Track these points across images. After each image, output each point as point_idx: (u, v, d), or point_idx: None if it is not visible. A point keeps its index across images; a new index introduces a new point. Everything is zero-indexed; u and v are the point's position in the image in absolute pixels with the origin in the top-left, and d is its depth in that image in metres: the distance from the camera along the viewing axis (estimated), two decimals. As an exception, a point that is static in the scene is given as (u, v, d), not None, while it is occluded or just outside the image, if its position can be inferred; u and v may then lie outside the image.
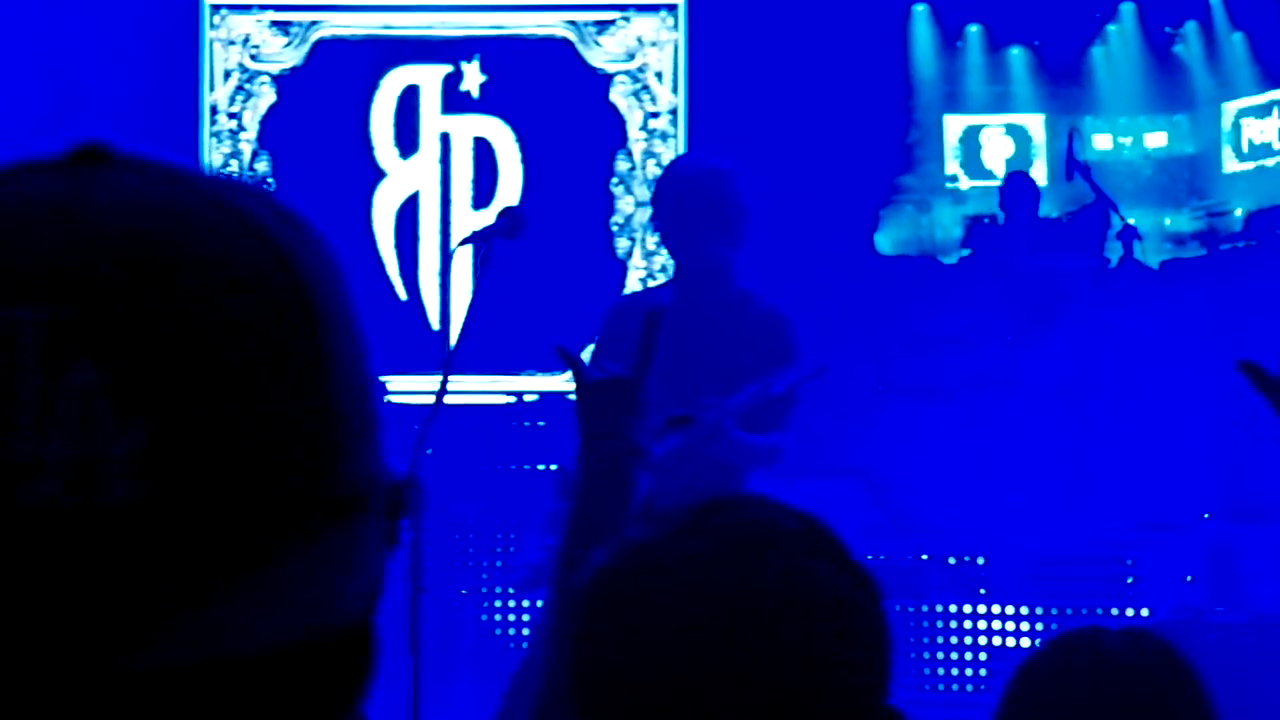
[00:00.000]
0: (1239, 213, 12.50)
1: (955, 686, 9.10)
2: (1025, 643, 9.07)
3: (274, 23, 12.10)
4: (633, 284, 11.84)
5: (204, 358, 1.05)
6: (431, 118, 12.02)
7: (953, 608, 9.13)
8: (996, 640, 9.16)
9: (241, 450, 1.05)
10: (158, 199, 1.08)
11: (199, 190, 1.10)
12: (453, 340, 6.09)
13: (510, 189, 11.95)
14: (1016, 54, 12.96)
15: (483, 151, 12.00)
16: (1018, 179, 11.27)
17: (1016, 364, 10.31)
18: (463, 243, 6.29)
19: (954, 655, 9.21)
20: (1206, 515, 9.92)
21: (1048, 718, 2.40)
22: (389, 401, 11.25)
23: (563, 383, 11.54)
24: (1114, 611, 9.09)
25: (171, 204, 1.08)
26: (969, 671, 9.18)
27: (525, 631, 9.02)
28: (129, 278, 1.04)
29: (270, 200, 1.15)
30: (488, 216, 11.37)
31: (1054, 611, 9.08)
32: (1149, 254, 11.31)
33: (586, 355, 11.09)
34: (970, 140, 13.14)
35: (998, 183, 11.74)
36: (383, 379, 11.39)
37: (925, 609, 9.15)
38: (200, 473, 1.04)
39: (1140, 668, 2.41)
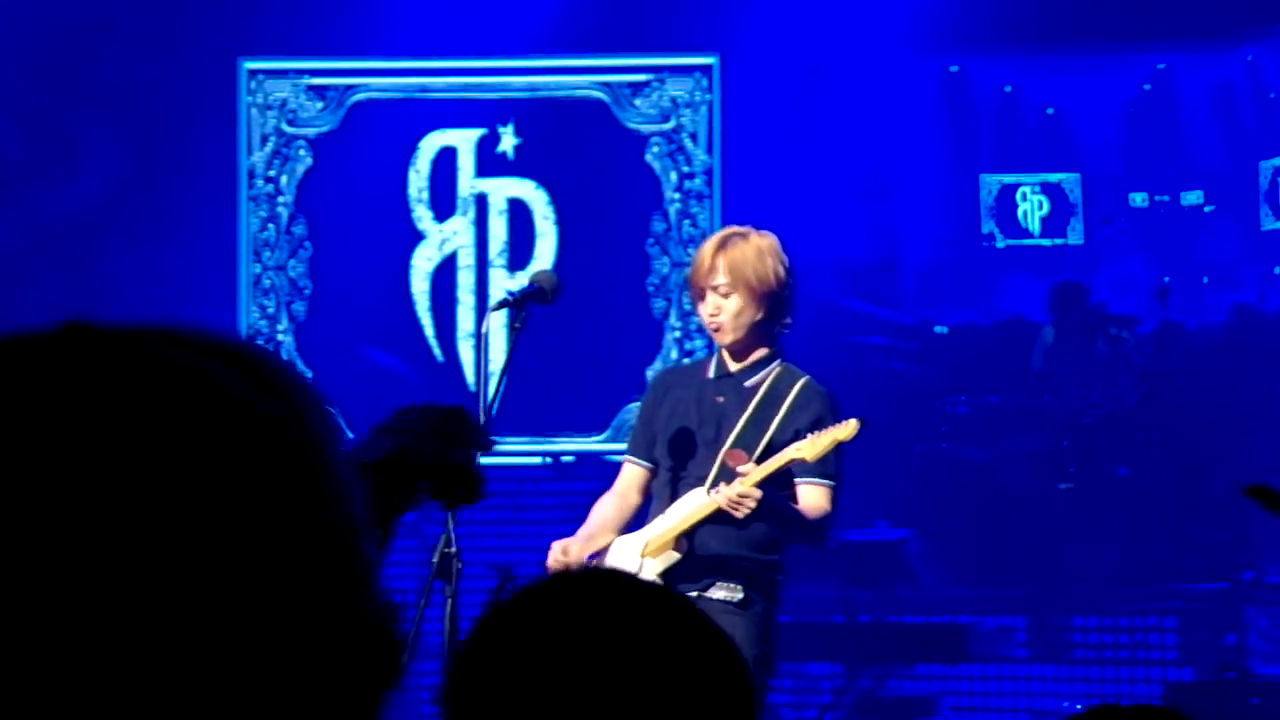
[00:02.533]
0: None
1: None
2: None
3: (310, 87, 12.15)
4: (669, 345, 11.83)
5: None
6: (467, 180, 12.05)
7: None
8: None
9: None
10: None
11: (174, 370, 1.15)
12: (489, 402, 6.07)
13: (546, 250, 11.97)
14: (1051, 114, 12.95)
15: (518, 213, 12.02)
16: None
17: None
18: (496, 307, 6.29)
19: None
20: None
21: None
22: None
23: (599, 443, 11.54)
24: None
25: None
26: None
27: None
28: None
29: (259, 367, 1.17)
30: (523, 279, 11.40)
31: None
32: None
33: (624, 417, 11.12)
34: (1006, 199, 13.14)
35: (1034, 241, 11.72)
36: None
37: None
38: None
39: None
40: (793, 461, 5.91)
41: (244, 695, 1.08)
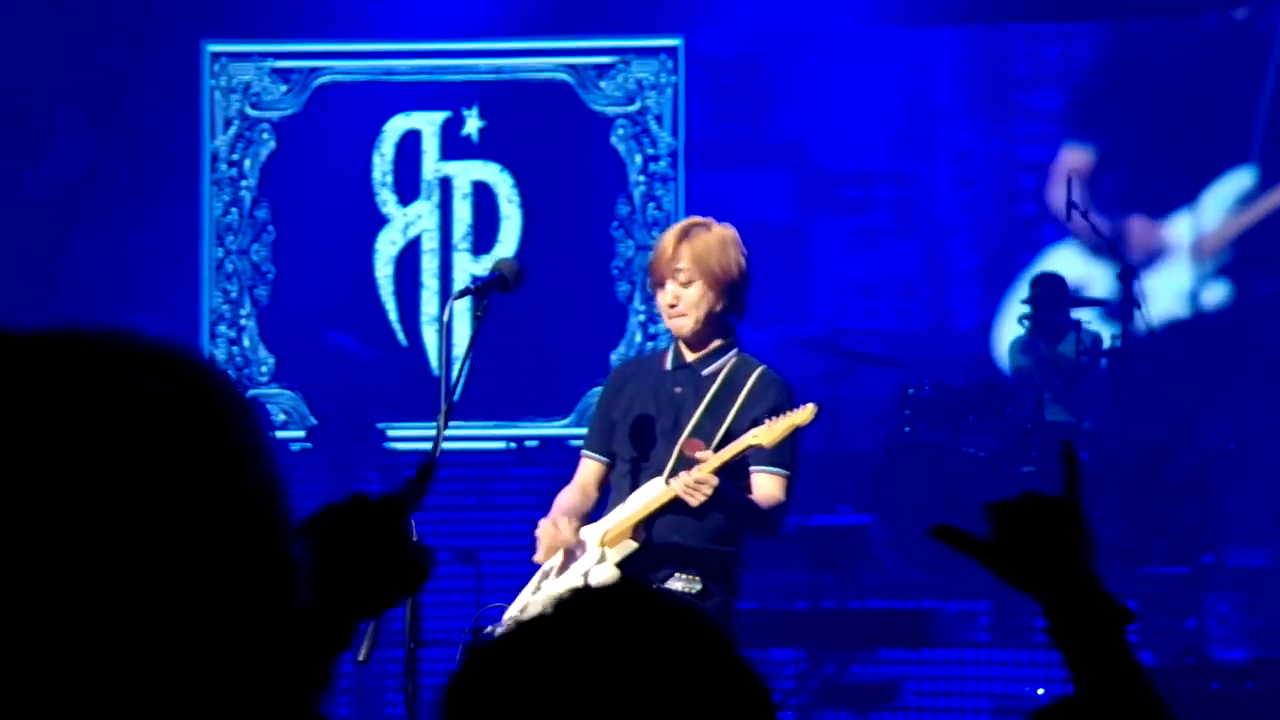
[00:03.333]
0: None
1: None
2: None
3: (274, 70, 12.12)
4: (633, 328, 11.84)
5: None
6: (431, 163, 12.04)
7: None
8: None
9: None
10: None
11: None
12: (453, 386, 6.08)
13: (510, 234, 11.97)
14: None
15: (483, 196, 12.01)
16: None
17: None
18: (459, 295, 6.28)
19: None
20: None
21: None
22: (391, 448, 11.25)
23: (563, 428, 11.55)
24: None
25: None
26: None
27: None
28: None
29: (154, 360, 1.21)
30: (488, 262, 11.39)
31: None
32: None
33: (588, 401, 11.12)
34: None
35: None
36: (383, 425, 11.40)
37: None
38: None
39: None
40: (750, 448, 5.92)
41: (166, 660, 1.13)
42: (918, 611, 9.65)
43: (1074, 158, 12.33)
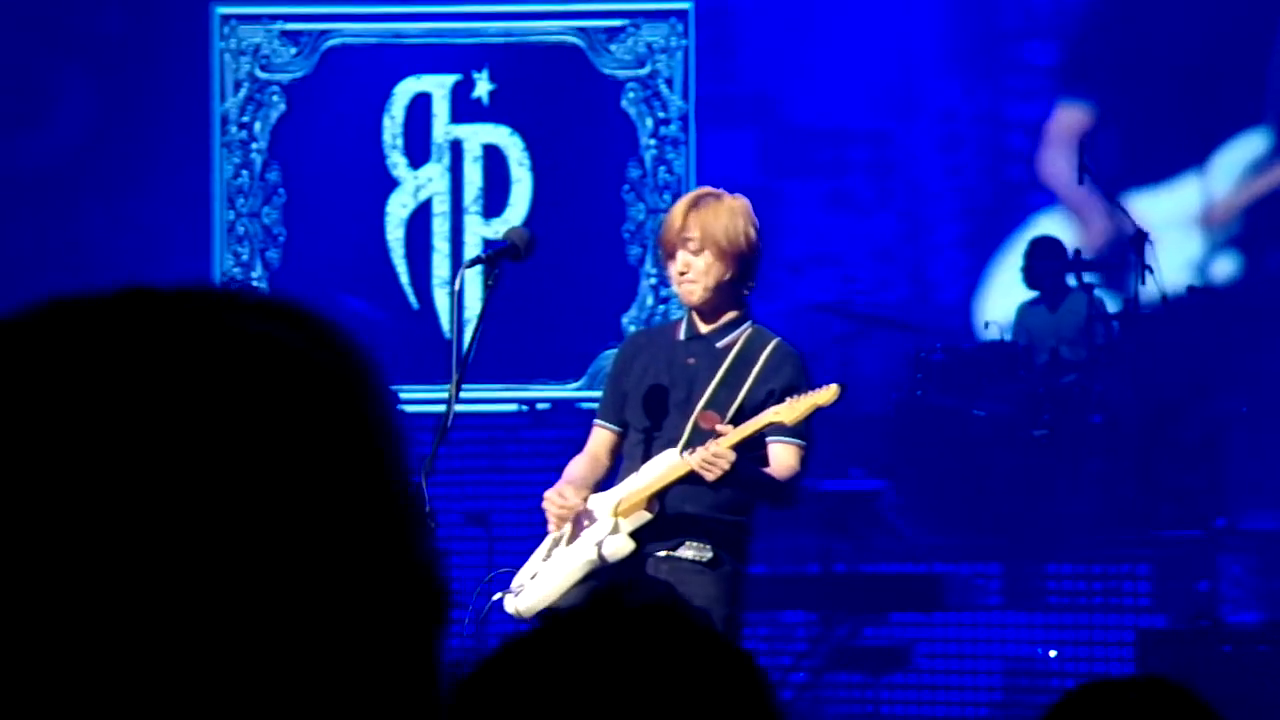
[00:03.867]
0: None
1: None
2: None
3: (284, 33, 12.10)
4: (644, 291, 11.83)
5: None
6: (442, 126, 12.02)
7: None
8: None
9: None
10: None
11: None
12: (465, 355, 6.09)
13: (521, 197, 11.95)
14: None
15: (493, 159, 12.00)
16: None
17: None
18: (469, 264, 6.30)
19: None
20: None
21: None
22: (402, 410, 11.26)
23: (575, 391, 11.55)
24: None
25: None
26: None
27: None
28: None
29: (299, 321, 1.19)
30: (499, 225, 11.39)
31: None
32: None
33: (600, 364, 11.12)
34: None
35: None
36: (394, 388, 11.40)
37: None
38: None
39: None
40: (770, 425, 5.93)
41: (299, 636, 1.11)
42: (929, 575, 9.66)
43: (1069, 117, 11.99)
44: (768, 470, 6.00)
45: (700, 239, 6.08)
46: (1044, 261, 11.07)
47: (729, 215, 6.12)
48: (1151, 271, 10.76)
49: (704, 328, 6.20)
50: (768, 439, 6.03)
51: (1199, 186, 11.96)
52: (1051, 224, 11.84)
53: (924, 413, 10.32)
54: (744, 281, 6.17)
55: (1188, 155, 11.95)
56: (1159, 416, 10.61)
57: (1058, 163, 11.74)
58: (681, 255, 6.11)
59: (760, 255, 6.19)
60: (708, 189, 6.33)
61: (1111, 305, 11.12)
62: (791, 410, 5.89)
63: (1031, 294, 11.24)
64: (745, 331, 6.18)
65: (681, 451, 6.00)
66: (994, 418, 10.29)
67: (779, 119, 12.26)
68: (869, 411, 10.58)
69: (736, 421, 5.98)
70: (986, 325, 11.31)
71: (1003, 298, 11.62)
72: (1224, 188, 11.95)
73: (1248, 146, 11.94)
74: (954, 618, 9.68)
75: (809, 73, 12.09)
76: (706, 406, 6.07)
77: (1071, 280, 11.07)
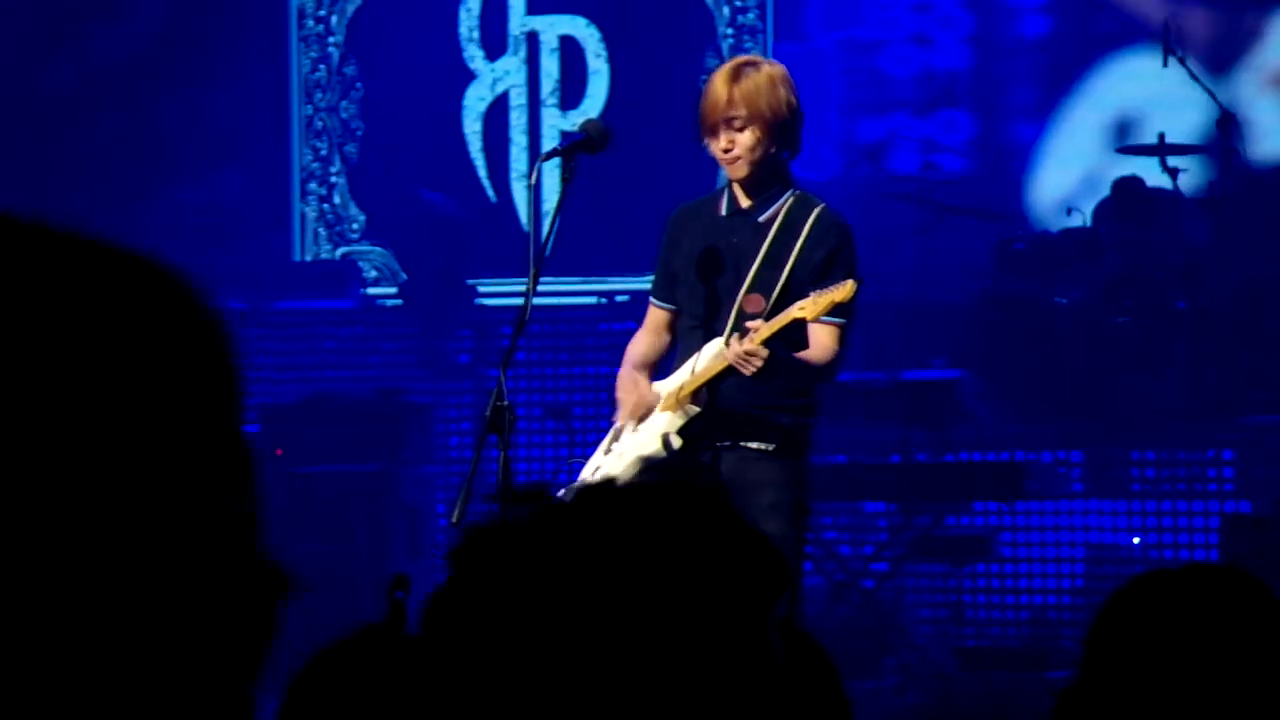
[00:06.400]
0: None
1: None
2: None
3: (360, -75, 12.05)
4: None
5: None
6: (518, 18, 11.96)
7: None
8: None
9: None
10: None
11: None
12: (542, 248, 6.09)
13: (598, 89, 11.90)
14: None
15: (570, 51, 11.94)
16: None
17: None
18: (545, 157, 6.28)
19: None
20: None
21: (1134, 662, 2.36)
22: (481, 304, 11.26)
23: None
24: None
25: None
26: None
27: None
28: None
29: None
30: (576, 118, 11.34)
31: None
32: None
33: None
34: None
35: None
36: (473, 282, 11.40)
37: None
38: None
39: (1231, 611, 2.37)
40: (794, 320, 5.89)
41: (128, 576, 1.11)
42: (1011, 464, 9.61)
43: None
44: (806, 355, 5.97)
45: (746, 116, 6.01)
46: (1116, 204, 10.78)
47: (770, 85, 6.05)
48: (1239, 155, 10.63)
49: (745, 202, 6.16)
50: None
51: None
52: (1136, 74, 11.55)
53: (1005, 301, 10.24)
54: (786, 149, 6.12)
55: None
56: (1245, 302, 10.49)
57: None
58: (725, 133, 6.05)
59: (802, 121, 6.13)
60: (745, 58, 6.26)
61: (1197, 189, 10.98)
62: (815, 305, 5.88)
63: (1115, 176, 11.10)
64: (787, 202, 6.13)
65: (727, 340, 5.99)
66: (1076, 305, 10.21)
67: (857, 5, 12.14)
68: (950, 300, 10.51)
69: (783, 297, 5.96)
70: (1069, 212, 11.17)
71: (1082, 181, 11.49)
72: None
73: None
74: (1036, 506, 9.64)
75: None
76: (752, 287, 6.05)
77: (1156, 165, 10.92)
